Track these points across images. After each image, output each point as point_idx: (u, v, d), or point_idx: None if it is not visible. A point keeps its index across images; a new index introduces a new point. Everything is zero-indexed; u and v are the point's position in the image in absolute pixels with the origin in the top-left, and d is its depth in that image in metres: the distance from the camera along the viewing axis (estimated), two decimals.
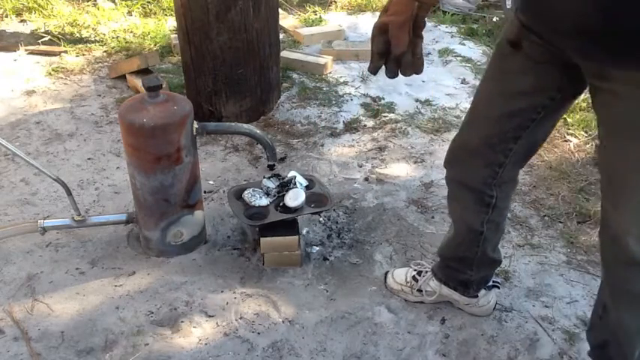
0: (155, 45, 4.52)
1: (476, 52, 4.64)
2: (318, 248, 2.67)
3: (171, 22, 4.85)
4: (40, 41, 4.48)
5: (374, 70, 1.62)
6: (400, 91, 4.04)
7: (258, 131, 2.68)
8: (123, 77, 4.03)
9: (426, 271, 2.37)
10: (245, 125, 2.71)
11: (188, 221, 2.55)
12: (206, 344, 2.21)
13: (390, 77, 1.65)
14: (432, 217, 2.90)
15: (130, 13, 5.07)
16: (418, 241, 2.75)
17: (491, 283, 2.31)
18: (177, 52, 4.25)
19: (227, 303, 2.38)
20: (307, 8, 5.30)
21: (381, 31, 1.57)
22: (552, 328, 2.33)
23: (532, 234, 2.82)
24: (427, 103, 3.92)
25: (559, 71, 1.65)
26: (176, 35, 3.91)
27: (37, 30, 4.69)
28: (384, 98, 3.95)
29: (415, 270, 2.40)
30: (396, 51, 1.57)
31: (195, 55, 3.41)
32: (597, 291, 1.92)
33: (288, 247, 2.53)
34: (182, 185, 2.44)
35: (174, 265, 2.56)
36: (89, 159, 3.26)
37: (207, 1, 3.20)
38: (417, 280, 2.37)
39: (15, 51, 4.37)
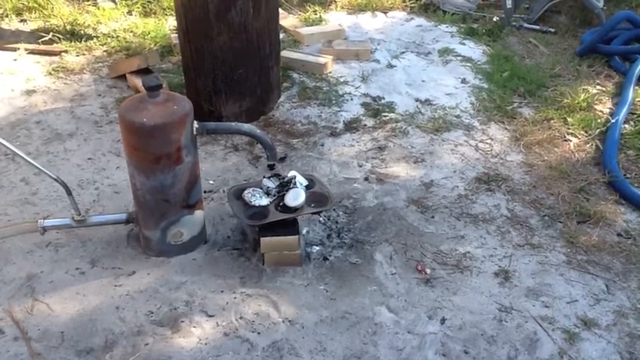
0: (155, 45, 4.51)
1: (476, 51, 4.64)
2: (318, 248, 2.67)
3: (171, 22, 4.85)
4: (40, 41, 4.47)
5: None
6: (400, 91, 4.03)
7: (258, 131, 2.68)
8: (123, 77, 4.03)
9: None
10: (245, 125, 2.71)
11: (188, 221, 2.55)
12: (206, 344, 2.21)
13: None
14: (432, 217, 2.90)
15: (130, 12, 5.07)
16: (418, 240, 2.75)
17: None
18: (177, 51, 4.25)
19: (227, 303, 2.38)
20: (307, 8, 5.30)
21: None
22: (552, 328, 2.33)
23: (532, 234, 2.82)
24: (427, 102, 3.91)
25: None
26: (176, 35, 3.91)
27: (37, 30, 4.69)
28: (384, 98, 3.94)
29: None
30: None
31: (196, 55, 3.41)
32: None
33: (288, 247, 2.52)
34: (182, 185, 2.44)
35: (174, 265, 2.56)
36: (89, 159, 3.26)
37: (207, 1, 3.20)
38: None
39: (15, 51, 4.36)
